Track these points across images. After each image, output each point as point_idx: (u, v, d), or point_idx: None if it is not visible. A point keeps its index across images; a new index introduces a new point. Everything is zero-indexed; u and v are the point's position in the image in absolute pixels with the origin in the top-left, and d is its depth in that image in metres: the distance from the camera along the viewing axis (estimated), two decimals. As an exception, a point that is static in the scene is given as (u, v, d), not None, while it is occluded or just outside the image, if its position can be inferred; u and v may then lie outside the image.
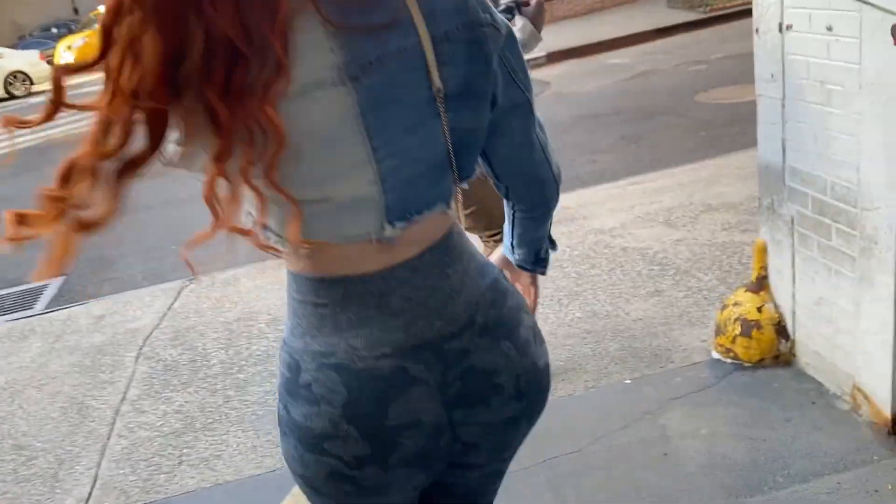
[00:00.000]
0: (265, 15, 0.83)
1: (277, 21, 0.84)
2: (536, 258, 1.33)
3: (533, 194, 1.21)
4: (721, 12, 12.08)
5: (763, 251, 2.67)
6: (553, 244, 1.36)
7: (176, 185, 7.66)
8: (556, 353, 3.02)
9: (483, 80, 0.99)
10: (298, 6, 0.87)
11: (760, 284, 2.70)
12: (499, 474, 1.26)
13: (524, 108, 1.08)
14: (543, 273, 1.36)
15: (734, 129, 6.25)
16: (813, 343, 2.53)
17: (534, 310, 1.42)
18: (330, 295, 1.01)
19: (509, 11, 2.37)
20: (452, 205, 1.07)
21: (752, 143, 5.58)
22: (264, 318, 3.89)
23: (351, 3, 0.90)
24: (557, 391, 2.78)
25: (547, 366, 1.14)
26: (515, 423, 1.11)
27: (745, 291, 2.74)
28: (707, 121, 6.66)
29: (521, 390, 1.09)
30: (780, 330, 2.64)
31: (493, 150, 1.10)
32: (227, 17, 0.82)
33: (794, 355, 2.63)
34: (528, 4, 2.38)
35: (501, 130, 1.07)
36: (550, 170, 1.18)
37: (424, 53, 0.93)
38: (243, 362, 3.46)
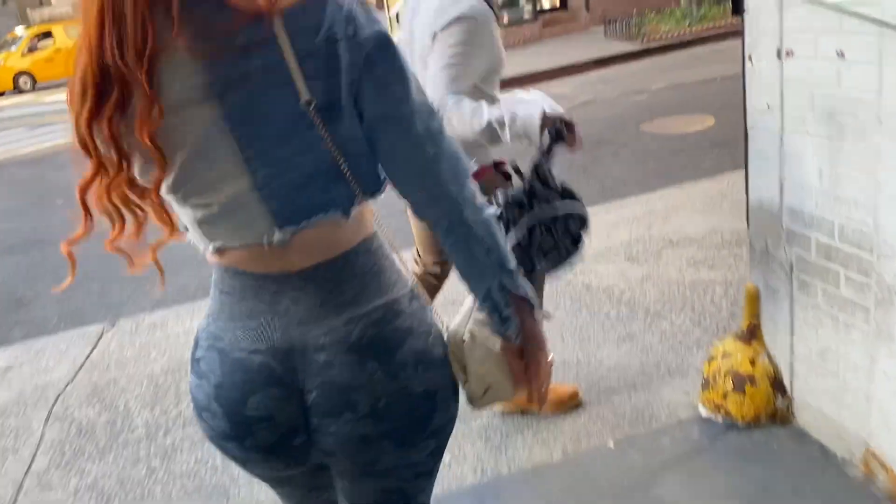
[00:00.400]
0: (134, 54, 0.96)
1: (144, 59, 0.96)
2: (500, 315, 1.14)
3: (428, 207, 1.13)
4: (657, 44, 12.19)
5: (755, 298, 2.43)
6: (526, 301, 1.14)
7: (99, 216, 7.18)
8: (527, 409, 2.72)
9: (343, 92, 1.02)
10: (166, 40, 0.97)
11: (752, 334, 2.46)
12: (400, 493, 1.23)
13: (396, 119, 1.06)
14: (510, 337, 1.15)
15: (682, 159, 6.13)
16: (815, 400, 2.29)
17: (532, 401, 1.21)
18: (232, 285, 1.13)
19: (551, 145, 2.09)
20: (353, 213, 1.09)
21: (702, 174, 5.53)
22: (195, 370, 3.49)
23: (214, 30, 0.97)
24: (533, 457, 2.48)
25: (427, 393, 1.13)
26: (371, 442, 1.13)
27: (735, 341, 2.50)
28: (654, 151, 6.54)
29: (380, 412, 1.11)
30: (777, 385, 2.40)
31: (379, 161, 1.10)
32: (111, 59, 0.96)
33: (792, 413, 2.39)
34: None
35: (376, 142, 1.07)
36: (441, 184, 1.09)
37: (289, 69, 0.99)
38: (171, 424, 3.05)
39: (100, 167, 1.02)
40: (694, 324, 3.23)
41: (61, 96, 1.05)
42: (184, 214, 1.10)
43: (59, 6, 22.61)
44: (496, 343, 1.17)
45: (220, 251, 1.11)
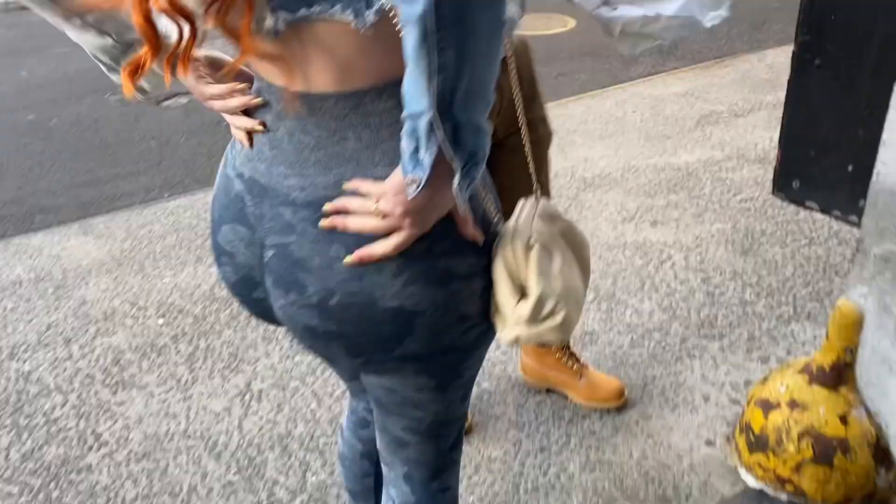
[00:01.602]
0: None
1: None
2: (415, 149, 0.76)
3: None
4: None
5: (854, 324, 1.61)
6: (453, 161, 0.74)
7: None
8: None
9: None
10: None
11: (840, 376, 1.65)
12: (387, 410, 1.03)
13: None
14: (409, 185, 0.77)
15: (553, 68, 5.27)
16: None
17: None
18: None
19: None
20: (368, 18, 0.76)
21: (578, 88, 4.69)
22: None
23: None
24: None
25: (401, 311, 0.85)
26: (318, 337, 0.91)
27: (811, 384, 1.68)
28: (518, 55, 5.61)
29: (329, 309, 0.87)
30: (879, 455, 1.63)
31: None
32: None
33: None
34: None
35: None
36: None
37: None
38: None
39: None
40: (667, 314, 2.41)
41: None
42: None
43: None
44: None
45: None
